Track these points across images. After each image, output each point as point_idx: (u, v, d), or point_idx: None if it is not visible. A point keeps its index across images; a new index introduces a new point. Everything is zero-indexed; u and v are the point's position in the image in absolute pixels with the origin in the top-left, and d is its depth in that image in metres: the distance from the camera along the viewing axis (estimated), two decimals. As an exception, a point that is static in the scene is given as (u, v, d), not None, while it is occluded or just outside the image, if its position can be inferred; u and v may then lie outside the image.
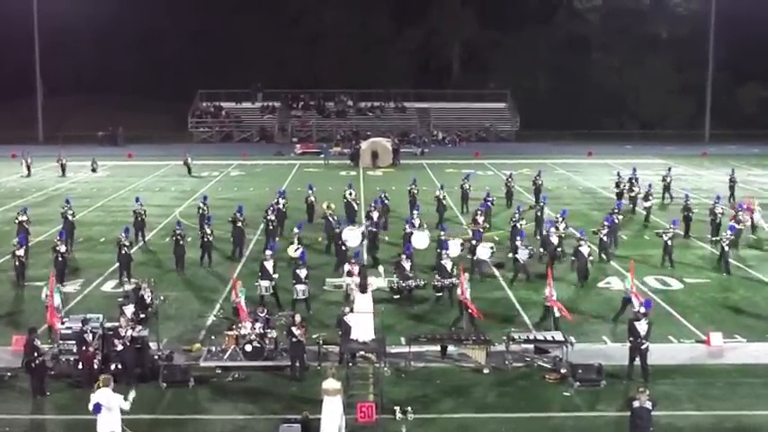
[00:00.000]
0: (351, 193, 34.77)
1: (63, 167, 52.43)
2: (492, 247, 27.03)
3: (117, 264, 26.29)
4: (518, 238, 26.55)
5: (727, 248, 27.05)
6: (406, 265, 23.61)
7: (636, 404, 14.52)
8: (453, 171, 50.17)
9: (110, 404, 14.15)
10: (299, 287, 22.34)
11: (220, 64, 79.44)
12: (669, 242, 27.61)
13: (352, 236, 27.96)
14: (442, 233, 26.93)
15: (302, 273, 22.45)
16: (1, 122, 73.29)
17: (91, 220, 36.54)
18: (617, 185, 40.70)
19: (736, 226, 29.55)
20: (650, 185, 38.22)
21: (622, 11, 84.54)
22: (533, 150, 66.57)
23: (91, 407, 14.19)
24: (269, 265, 23.18)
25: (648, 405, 14.51)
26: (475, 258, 26.32)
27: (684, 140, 74.29)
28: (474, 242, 26.86)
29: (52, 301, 20.50)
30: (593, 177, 51.10)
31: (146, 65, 79.59)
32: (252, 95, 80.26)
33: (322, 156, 61.14)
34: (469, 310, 20.61)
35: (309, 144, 69.46)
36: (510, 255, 26.56)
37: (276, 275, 23.09)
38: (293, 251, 25.97)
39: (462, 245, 27.14)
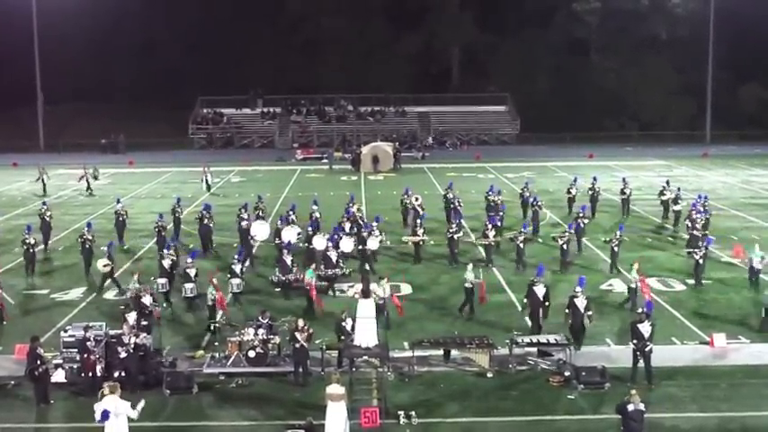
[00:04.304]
0: (416, 198, 34.79)
1: (88, 183, 46.94)
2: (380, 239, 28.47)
3: (81, 258, 28.01)
4: (364, 228, 28.45)
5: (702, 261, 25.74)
6: (287, 259, 24.87)
7: (630, 407, 14.52)
8: (454, 174, 50.09)
9: (117, 411, 14.16)
10: (188, 285, 23.33)
11: (220, 71, 79.42)
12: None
13: (261, 230, 28.55)
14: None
15: (192, 272, 23.55)
16: (2, 131, 73.34)
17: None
18: (622, 191, 39.72)
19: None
20: (679, 189, 37.49)
21: (621, 12, 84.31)
22: (534, 153, 66.47)
23: (98, 415, 14.19)
24: (166, 263, 24.38)
25: (642, 407, 14.56)
26: (366, 248, 27.26)
27: (685, 141, 74.27)
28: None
29: None
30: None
31: (145, 72, 79.56)
32: (252, 101, 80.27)
33: (325, 160, 61.15)
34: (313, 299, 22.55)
35: (310, 150, 69.40)
36: (360, 246, 27.47)
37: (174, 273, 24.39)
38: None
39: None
